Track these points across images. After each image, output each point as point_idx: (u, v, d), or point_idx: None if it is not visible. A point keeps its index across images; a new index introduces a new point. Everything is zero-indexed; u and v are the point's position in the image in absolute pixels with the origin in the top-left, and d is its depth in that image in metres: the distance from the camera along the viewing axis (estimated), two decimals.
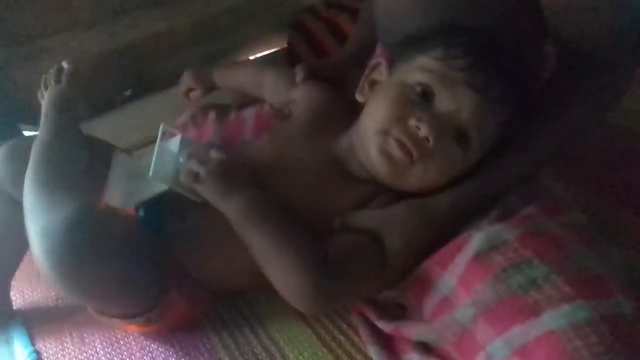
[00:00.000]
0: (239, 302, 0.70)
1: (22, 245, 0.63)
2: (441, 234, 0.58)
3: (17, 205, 0.64)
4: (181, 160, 0.60)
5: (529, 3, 0.59)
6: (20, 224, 0.60)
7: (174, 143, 0.62)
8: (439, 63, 0.57)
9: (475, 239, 0.54)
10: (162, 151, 0.61)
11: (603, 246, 0.54)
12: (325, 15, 1.29)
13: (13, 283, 0.76)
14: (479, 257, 0.53)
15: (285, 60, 1.28)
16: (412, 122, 0.56)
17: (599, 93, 0.60)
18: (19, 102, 1.04)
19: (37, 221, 0.57)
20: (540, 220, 0.54)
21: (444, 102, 0.56)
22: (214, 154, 0.60)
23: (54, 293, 0.78)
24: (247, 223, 0.57)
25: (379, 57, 0.82)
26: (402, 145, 0.56)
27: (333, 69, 0.84)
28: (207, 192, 0.58)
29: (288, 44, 1.31)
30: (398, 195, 0.61)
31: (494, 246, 0.53)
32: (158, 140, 0.61)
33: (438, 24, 0.61)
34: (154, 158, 0.59)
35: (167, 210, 0.63)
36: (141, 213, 0.62)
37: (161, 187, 0.60)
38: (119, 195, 0.61)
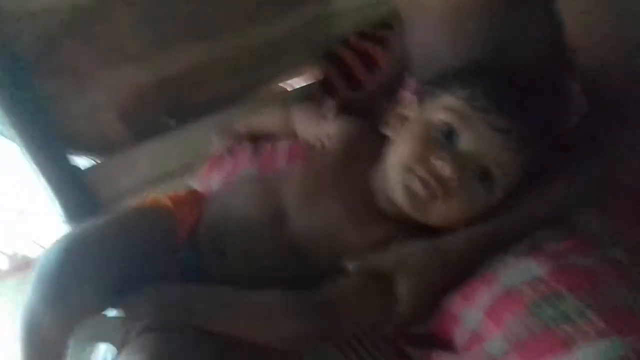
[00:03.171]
0: None
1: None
2: (460, 271, 0.59)
3: None
4: None
5: (561, 44, 0.60)
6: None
7: None
8: (462, 103, 0.58)
9: (505, 274, 0.55)
10: None
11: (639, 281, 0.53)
12: (358, 46, 1.33)
13: None
14: (509, 291, 0.53)
15: (320, 90, 1.32)
16: (436, 161, 0.57)
17: (629, 142, 0.60)
18: (68, 132, 1.10)
19: None
20: (572, 256, 0.55)
21: (467, 142, 0.57)
22: None
23: None
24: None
25: (407, 92, 0.85)
26: (425, 183, 0.58)
27: (364, 101, 0.86)
28: None
29: (322, 74, 1.35)
30: (419, 232, 0.62)
31: (524, 281, 0.53)
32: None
33: (469, 62, 0.63)
34: None
35: (206, 249, 0.66)
36: (182, 255, 0.65)
37: None
38: None
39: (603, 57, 0.58)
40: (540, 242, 0.58)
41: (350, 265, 0.61)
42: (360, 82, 1.27)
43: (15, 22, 0.97)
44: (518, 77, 0.61)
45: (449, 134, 0.58)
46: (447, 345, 0.60)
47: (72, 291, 0.58)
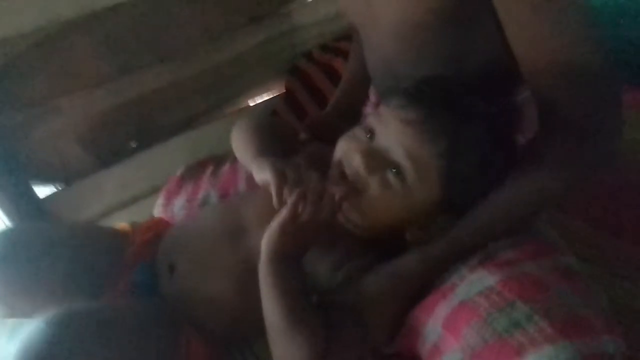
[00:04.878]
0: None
1: None
2: (420, 289, 0.60)
3: None
4: None
5: (506, 58, 0.61)
6: None
7: None
8: (384, 106, 0.63)
9: (460, 286, 0.56)
10: None
11: (588, 286, 0.55)
12: (320, 59, 1.34)
13: None
14: (465, 303, 0.54)
15: (285, 105, 1.33)
16: (353, 156, 0.62)
17: (581, 154, 0.59)
18: (33, 160, 1.09)
19: None
20: (522, 264, 0.56)
21: (381, 138, 0.62)
22: None
23: None
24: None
25: (369, 107, 0.86)
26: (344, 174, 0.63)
27: (332, 122, 0.87)
28: None
29: (286, 88, 1.36)
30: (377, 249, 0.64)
31: (478, 291, 0.54)
32: None
33: (423, 74, 0.65)
34: None
35: (157, 268, 0.67)
36: (135, 278, 0.66)
37: None
38: None
39: (544, 70, 0.60)
40: (493, 251, 0.59)
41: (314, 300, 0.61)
42: (324, 94, 1.28)
43: None
44: (467, 87, 0.63)
45: (370, 134, 0.63)
46: None
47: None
